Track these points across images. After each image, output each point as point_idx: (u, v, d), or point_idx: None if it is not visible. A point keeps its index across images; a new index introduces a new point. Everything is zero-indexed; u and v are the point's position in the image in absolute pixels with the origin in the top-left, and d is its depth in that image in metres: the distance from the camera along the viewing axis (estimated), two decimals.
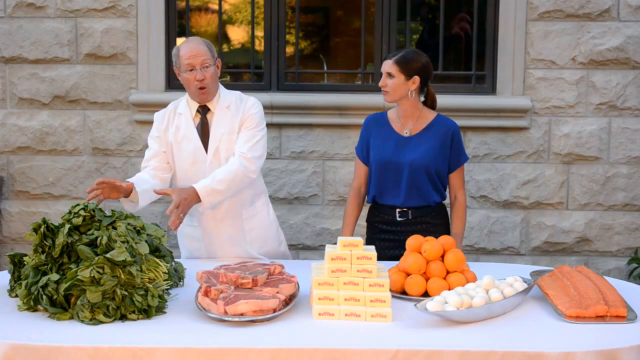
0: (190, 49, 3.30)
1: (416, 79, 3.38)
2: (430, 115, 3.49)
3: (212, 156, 3.33)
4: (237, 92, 3.46)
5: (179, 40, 4.94)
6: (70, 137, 4.86)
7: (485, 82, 4.84)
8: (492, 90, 4.81)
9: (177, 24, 4.92)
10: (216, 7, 5.02)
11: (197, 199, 3.15)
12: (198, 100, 3.36)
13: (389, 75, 3.37)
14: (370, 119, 3.57)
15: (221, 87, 3.43)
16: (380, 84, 3.41)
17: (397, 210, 3.44)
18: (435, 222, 3.48)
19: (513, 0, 4.68)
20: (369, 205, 3.61)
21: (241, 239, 3.45)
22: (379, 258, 3.26)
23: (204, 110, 3.37)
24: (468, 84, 4.89)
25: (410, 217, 3.44)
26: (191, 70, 3.29)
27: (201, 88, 3.29)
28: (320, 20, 5.61)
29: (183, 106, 3.40)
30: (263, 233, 3.53)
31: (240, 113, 3.36)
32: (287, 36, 4.92)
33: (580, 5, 4.67)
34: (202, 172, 3.29)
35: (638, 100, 4.72)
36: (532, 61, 4.72)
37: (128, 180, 3.19)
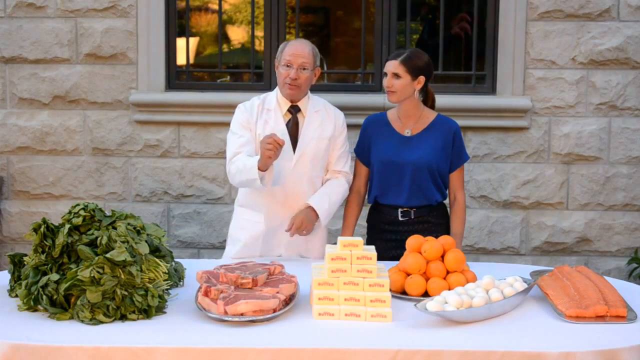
0: (296, 48, 3.36)
1: (422, 78, 3.38)
2: (431, 115, 3.49)
3: (299, 157, 3.38)
4: (321, 99, 3.55)
5: (179, 40, 4.94)
6: (70, 137, 4.86)
7: (485, 82, 4.85)
8: (492, 90, 4.81)
9: (177, 24, 4.92)
10: (216, 7, 5.02)
11: (316, 218, 3.38)
12: (287, 97, 3.39)
13: (395, 75, 3.36)
14: (370, 120, 3.56)
15: (310, 92, 3.49)
16: (385, 84, 3.39)
17: (400, 210, 3.44)
18: (437, 221, 3.48)
19: (513, 0, 4.68)
20: (369, 205, 3.61)
21: (301, 243, 3.47)
22: (381, 258, 3.27)
23: (295, 110, 3.42)
24: (468, 84, 4.89)
25: (412, 217, 3.44)
26: (288, 66, 3.34)
27: (291, 84, 3.33)
28: (320, 20, 5.61)
29: (272, 102, 3.43)
30: (319, 241, 3.53)
31: (332, 124, 3.46)
32: (287, 36, 4.92)
33: (580, 5, 4.67)
34: (285, 170, 3.34)
35: (638, 100, 4.72)
36: (532, 61, 4.72)
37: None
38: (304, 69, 3.34)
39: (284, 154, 3.30)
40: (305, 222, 3.34)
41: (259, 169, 3.17)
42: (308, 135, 3.40)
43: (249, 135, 3.38)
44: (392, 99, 3.41)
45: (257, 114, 3.41)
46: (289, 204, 3.41)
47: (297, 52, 3.33)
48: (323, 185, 3.49)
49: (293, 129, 3.40)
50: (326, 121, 3.45)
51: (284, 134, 3.35)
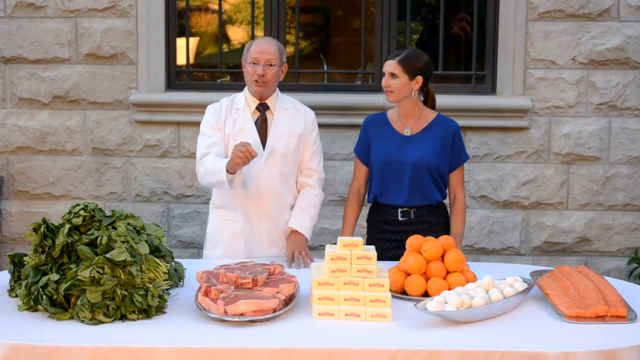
0: (262, 45, 3.41)
1: (419, 78, 3.38)
2: (431, 114, 3.49)
3: (269, 154, 3.41)
4: (291, 98, 3.58)
5: (179, 40, 4.94)
6: (70, 137, 4.86)
7: (485, 82, 4.84)
8: (492, 90, 4.81)
9: (177, 24, 4.92)
10: (216, 7, 5.02)
11: (304, 237, 3.44)
12: (254, 94, 3.44)
13: (393, 75, 3.37)
14: (370, 120, 3.57)
15: (278, 91, 3.53)
16: (383, 84, 3.41)
17: (399, 210, 3.44)
18: (437, 221, 3.48)
19: (513, 0, 4.68)
20: (369, 205, 3.61)
21: (282, 243, 3.49)
22: (381, 258, 3.27)
23: (263, 107, 3.46)
24: (468, 84, 4.89)
25: (412, 217, 3.44)
26: (255, 63, 3.38)
27: (258, 82, 3.37)
28: (320, 20, 5.61)
29: (240, 101, 3.49)
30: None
31: (302, 121, 3.49)
32: (287, 36, 4.92)
33: (580, 5, 4.67)
34: (255, 167, 3.37)
35: (638, 100, 4.72)
36: (532, 61, 4.72)
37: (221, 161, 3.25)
38: (271, 65, 3.38)
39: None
40: (299, 248, 3.38)
41: (227, 171, 3.20)
42: (277, 132, 3.44)
43: (218, 136, 3.42)
44: (389, 99, 3.42)
45: (225, 114, 3.46)
46: (263, 202, 3.44)
47: (263, 49, 3.38)
48: (299, 197, 3.52)
49: (262, 126, 3.45)
50: (296, 119, 3.49)
51: (252, 132, 3.41)
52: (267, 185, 3.42)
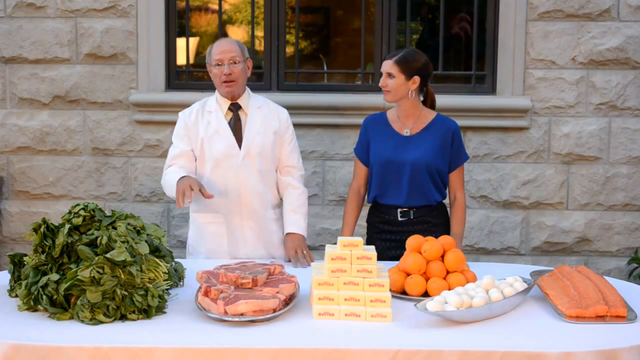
0: (222, 46, 3.45)
1: (416, 78, 3.38)
2: (430, 115, 3.49)
3: (246, 153, 3.42)
4: (262, 97, 3.61)
5: (179, 40, 4.94)
6: (70, 137, 4.86)
7: (485, 82, 4.84)
8: (492, 90, 4.81)
9: (177, 24, 4.92)
10: (216, 7, 5.02)
11: (302, 237, 3.45)
12: (225, 95, 3.45)
13: (389, 75, 3.38)
14: (370, 120, 3.57)
15: (249, 90, 3.55)
16: (380, 84, 3.42)
17: (399, 210, 3.44)
18: (436, 221, 3.48)
19: (513, 0, 4.68)
20: (369, 205, 3.61)
21: (267, 240, 3.50)
22: (381, 258, 3.27)
23: (235, 107, 3.47)
24: (468, 84, 4.89)
25: (411, 217, 3.44)
26: (219, 65, 3.41)
27: (227, 82, 3.39)
28: (320, 20, 5.60)
29: (212, 104, 3.50)
30: (278, 238, 3.55)
31: (276, 119, 3.51)
32: (287, 36, 4.92)
33: (580, 5, 4.67)
34: (233, 167, 3.41)
35: (638, 100, 4.72)
36: (532, 61, 4.72)
37: (182, 176, 3.26)
38: (235, 62, 3.41)
39: (231, 151, 3.40)
40: (300, 247, 3.40)
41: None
42: (252, 130, 3.45)
43: (183, 146, 3.45)
44: (387, 98, 3.43)
45: (196, 118, 3.48)
46: (244, 201, 3.45)
47: (224, 48, 3.43)
48: (285, 199, 3.54)
49: (236, 126, 3.46)
50: (269, 117, 3.51)
51: (227, 133, 3.43)
52: (247, 184, 3.43)
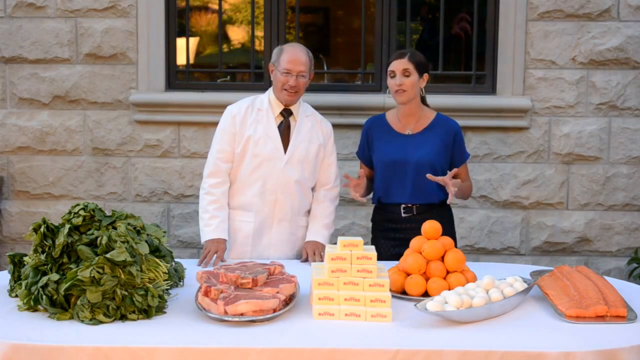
0: (294, 55, 3.44)
1: (426, 76, 3.42)
2: (430, 114, 3.50)
3: (289, 158, 3.45)
4: (309, 106, 3.63)
5: (179, 40, 4.94)
6: (70, 137, 4.86)
7: (485, 82, 4.84)
8: (492, 90, 4.81)
9: (177, 23, 4.92)
10: (216, 7, 5.02)
11: (323, 245, 3.45)
12: (283, 101, 3.46)
13: (406, 73, 3.35)
14: (370, 123, 3.57)
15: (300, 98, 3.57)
16: (396, 83, 3.36)
17: (402, 206, 3.44)
18: (440, 221, 3.48)
19: (513, 0, 4.68)
20: (373, 205, 3.62)
21: (290, 244, 3.52)
22: (385, 257, 3.27)
23: (287, 113, 3.49)
24: (468, 84, 4.89)
25: (415, 213, 3.44)
26: (287, 74, 3.40)
27: (289, 91, 3.40)
28: (320, 20, 5.60)
29: (264, 103, 3.50)
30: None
31: (320, 131, 3.55)
32: (287, 36, 4.92)
33: (580, 5, 4.67)
34: (275, 171, 3.44)
35: (638, 100, 4.72)
36: (532, 61, 4.72)
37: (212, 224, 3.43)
38: (302, 76, 3.42)
39: (275, 155, 3.42)
40: (318, 249, 3.43)
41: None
42: (299, 137, 3.47)
43: (225, 146, 3.46)
44: (402, 99, 3.39)
45: (244, 115, 3.47)
46: (279, 206, 3.48)
47: (295, 59, 3.41)
48: (317, 209, 3.57)
49: (285, 132, 3.47)
50: (316, 127, 3.54)
51: (275, 137, 3.44)
52: (284, 189, 3.46)
